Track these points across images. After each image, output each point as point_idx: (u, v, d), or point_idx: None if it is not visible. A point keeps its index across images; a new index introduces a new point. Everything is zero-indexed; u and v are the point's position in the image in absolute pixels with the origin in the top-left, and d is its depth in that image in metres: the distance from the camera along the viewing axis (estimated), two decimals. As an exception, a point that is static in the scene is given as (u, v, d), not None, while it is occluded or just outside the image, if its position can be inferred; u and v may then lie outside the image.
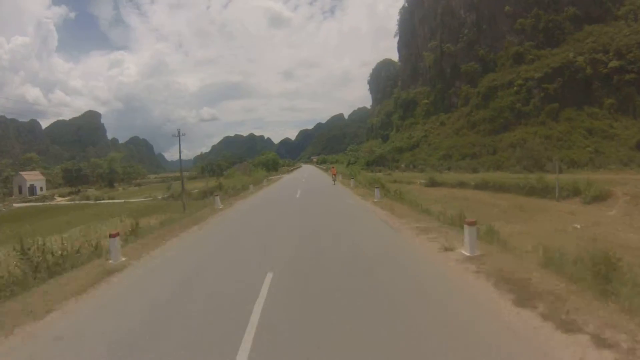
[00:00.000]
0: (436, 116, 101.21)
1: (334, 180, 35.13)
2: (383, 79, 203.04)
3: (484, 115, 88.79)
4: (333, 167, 39.37)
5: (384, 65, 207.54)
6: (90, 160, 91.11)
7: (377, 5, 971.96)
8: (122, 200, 45.48)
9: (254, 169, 60.68)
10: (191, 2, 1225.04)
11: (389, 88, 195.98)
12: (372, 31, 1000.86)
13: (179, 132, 36.11)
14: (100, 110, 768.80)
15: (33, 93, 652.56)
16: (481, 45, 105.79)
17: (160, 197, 44.80)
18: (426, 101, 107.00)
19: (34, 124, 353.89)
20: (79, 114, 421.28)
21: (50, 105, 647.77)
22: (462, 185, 36.11)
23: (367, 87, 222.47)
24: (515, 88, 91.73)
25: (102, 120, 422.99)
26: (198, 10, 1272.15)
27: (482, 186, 34.39)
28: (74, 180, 75.65)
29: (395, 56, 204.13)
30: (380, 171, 74.09)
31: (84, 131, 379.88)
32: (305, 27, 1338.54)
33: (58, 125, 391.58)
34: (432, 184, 38.59)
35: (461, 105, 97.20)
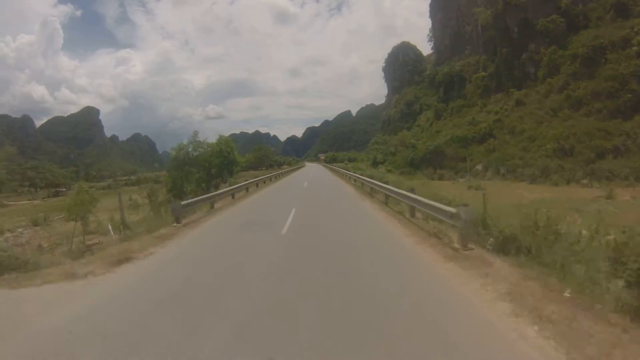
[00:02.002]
0: (502, 93, 64.91)
1: None
2: (401, 65, 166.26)
3: (593, 87, 52.72)
4: None
5: (402, 49, 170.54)
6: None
7: (384, 2, 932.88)
8: None
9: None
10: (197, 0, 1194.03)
11: (409, 74, 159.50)
12: (379, 28, 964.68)
13: None
14: (107, 108, 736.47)
15: (39, 91, 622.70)
16: (562, -7, 69.61)
17: None
18: (482, 74, 70.66)
19: (26, 120, 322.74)
20: (77, 110, 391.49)
21: (56, 103, 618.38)
22: None
23: (382, 75, 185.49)
24: (635, 48, 55.69)
25: (107, 118, 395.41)
26: (204, 8, 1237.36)
27: None
28: None
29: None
30: (441, 177, 38.70)
31: (81, 128, 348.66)
32: (312, 25, 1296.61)
33: (55, 122, 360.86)
34: None
35: (545, 75, 60.88)
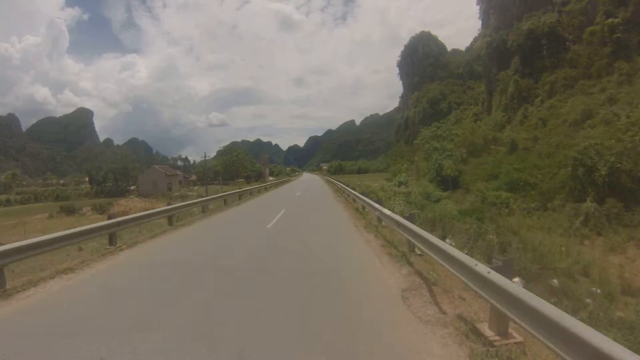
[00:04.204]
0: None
1: None
2: (421, 58, 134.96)
3: None
4: None
5: (422, 40, 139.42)
6: None
7: (389, 12, 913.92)
8: None
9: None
10: (203, 6, 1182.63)
11: (431, 68, 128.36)
12: (384, 38, 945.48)
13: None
14: (110, 112, 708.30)
15: (42, 93, 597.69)
16: None
17: None
18: (612, 21, 38.73)
19: (11, 119, 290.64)
20: (70, 111, 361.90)
21: (58, 105, 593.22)
22: None
23: (396, 71, 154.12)
24: None
25: (110, 122, 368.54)
26: (210, 15, 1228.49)
27: None
28: None
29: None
30: None
31: (72, 130, 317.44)
32: (317, 34, 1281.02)
33: (45, 122, 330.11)
34: None
35: None
